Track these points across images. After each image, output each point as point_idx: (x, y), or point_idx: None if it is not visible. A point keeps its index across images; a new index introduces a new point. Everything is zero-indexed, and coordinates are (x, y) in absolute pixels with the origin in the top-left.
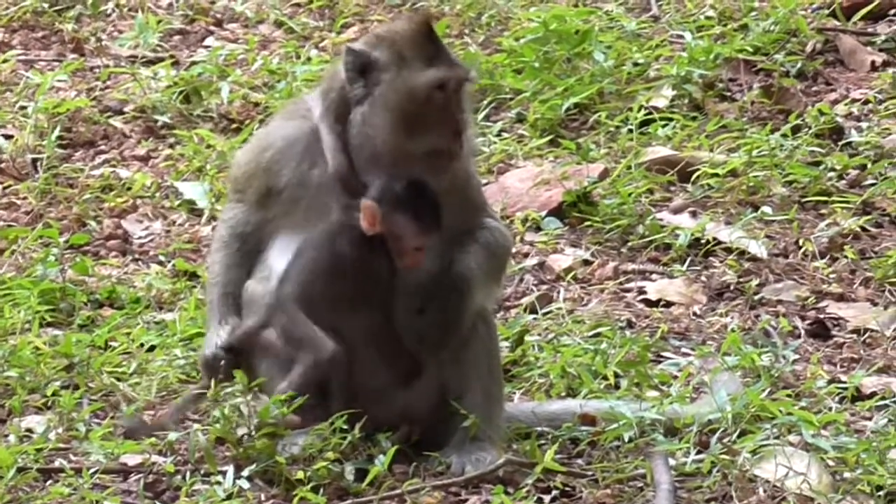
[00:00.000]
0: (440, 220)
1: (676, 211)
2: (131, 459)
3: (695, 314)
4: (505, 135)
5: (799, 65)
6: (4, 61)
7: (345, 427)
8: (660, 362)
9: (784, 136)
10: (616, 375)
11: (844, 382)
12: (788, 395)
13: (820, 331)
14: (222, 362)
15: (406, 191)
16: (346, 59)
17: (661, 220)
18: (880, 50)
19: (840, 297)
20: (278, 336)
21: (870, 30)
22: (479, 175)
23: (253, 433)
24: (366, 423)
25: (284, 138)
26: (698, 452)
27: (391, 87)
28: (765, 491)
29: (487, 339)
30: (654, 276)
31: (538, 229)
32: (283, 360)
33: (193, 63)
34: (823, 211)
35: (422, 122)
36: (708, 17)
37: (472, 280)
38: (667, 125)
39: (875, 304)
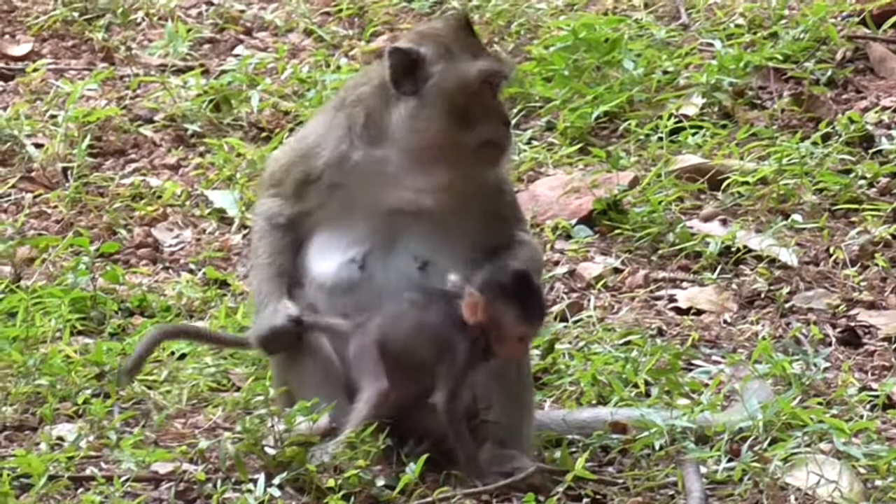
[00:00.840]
0: (545, 312)
1: (707, 219)
2: (162, 468)
3: (725, 322)
4: (535, 143)
5: (829, 73)
6: (35, 70)
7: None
8: (690, 370)
9: (814, 143)
10: (647, 383)
11: (875, 390)
12: (819, 403)
13: (851, 339)
14: (289, 333)
15: (511, 281)
16: (393, 58)
17: (691, 228)
18: None
19: (871, 305)
20: (348, 360)
21: None
22: (512, 187)
23: (282, 441)
24: (396, 432)
25: (323, 124)
26: (729, 460)
27: (443, 79)
28: (796, 499)
29: None
30: (684, 284)
31: (568, 237)
32: (324, 365)
33: (223, 72)
34: (854, 219)
35: (474, 114)
36: (738, 25)
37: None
38: (697, 133)
39: None
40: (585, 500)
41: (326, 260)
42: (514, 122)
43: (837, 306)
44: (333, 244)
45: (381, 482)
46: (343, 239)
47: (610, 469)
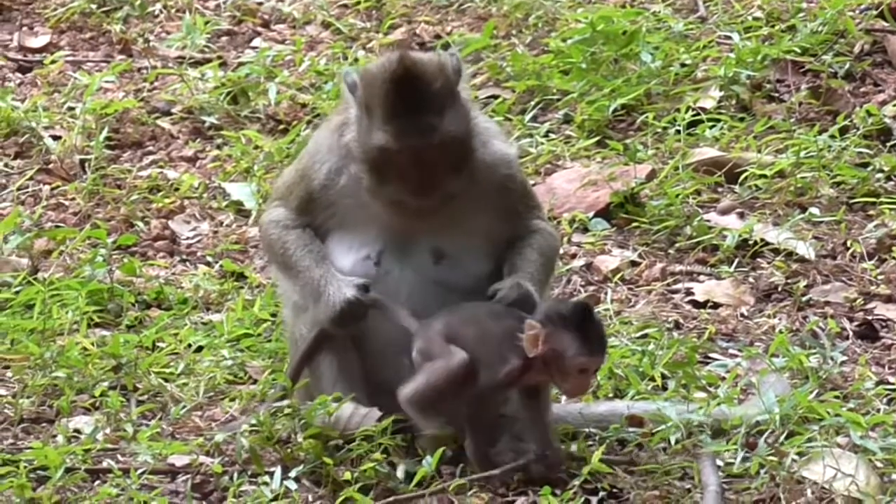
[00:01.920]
0: (606, 343)
1: (724, 212)
2: (179, 460)
3: (742, 315)
4: (552, 136)
5: (847, 66)
6: (52, 62)
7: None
8: (707, 363)
9: (832, 137)
10: (663, 377)
11: (893, 384)
12: (836, 397)
13: (868, 332)
14: (362, 305)
15: (573, 312)
16: (344, 83)
17: (708, 221)
18: None
19: (888, 299)
20: (414, 353)
21: None
22: (524, 177)
23: (299, 434)
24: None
25: (316, 143)
26: (746, 454)
27: (355, 133)
28: (813, 492)
29: None
30: (701, 278)
31: (585, 230)
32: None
33: (241, 64)
34: (871, 212)
35: (383, 175)
36: (755, 18)
37: (533, 296)
38: (714, 126)
39: None
40: (602, 493)
41: (342, 257)
42: (531, 114)
43: (855, 300)
44: (347, 243)
45: (399, 474)
46: (356, 239)
47: (626, 462)
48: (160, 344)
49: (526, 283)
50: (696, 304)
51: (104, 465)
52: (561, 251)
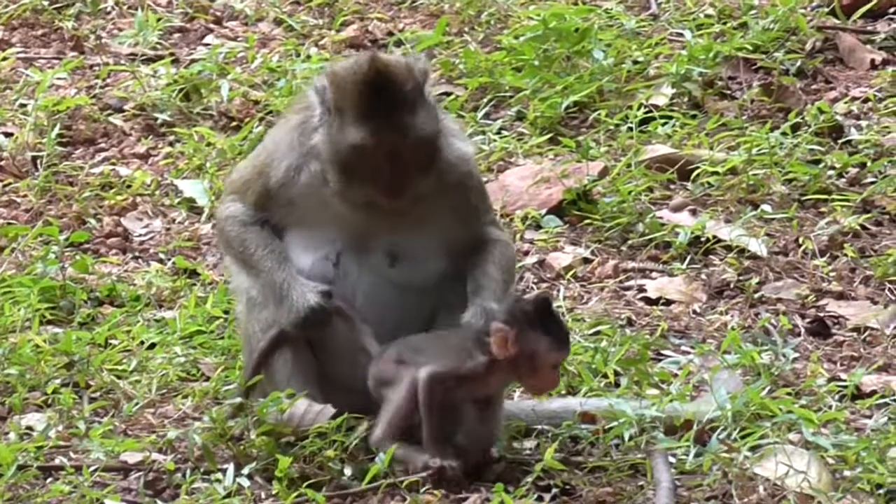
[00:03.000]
0: (569, 337)
1: (676, 209)
2: (131, 457)
3: (695, 312)
4: (505, 133)
5: (798, 63)
6: (4, 59)
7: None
8: (660, 360)
9: (784, 134)
10: (616, 373)
11: (844, 381)
12: (788, 394)
13: (820, 329)
14: (326, 311)
15: (537, 309)
16: (312, 87)
17: (660, 218)
18: (880, 48)
19: (840, 296)
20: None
21: (869, 28)
22: (480, 179)
23: (252, 431)
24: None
25: (274, 141)
26: (698, 451)
27: (325, 134)
28: (765, 489)
29: None
30: (654, 275)
31: (538, 227)
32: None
33: (193, 61)
34: (823, 209)
35: (352, 175)
36: (707, 16)
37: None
38: (666, 123)
39: (875, 303)
40: (554, 490)
41: (300, 256)
42: (483, 111)
43: (806, 297)
44: (304, 242)
45: (349, 472)
46: (314, 238)
47: (579, 459)
48: (113, 341)
49: (491, 306)
50: (649, 301)
51: (57, 462)
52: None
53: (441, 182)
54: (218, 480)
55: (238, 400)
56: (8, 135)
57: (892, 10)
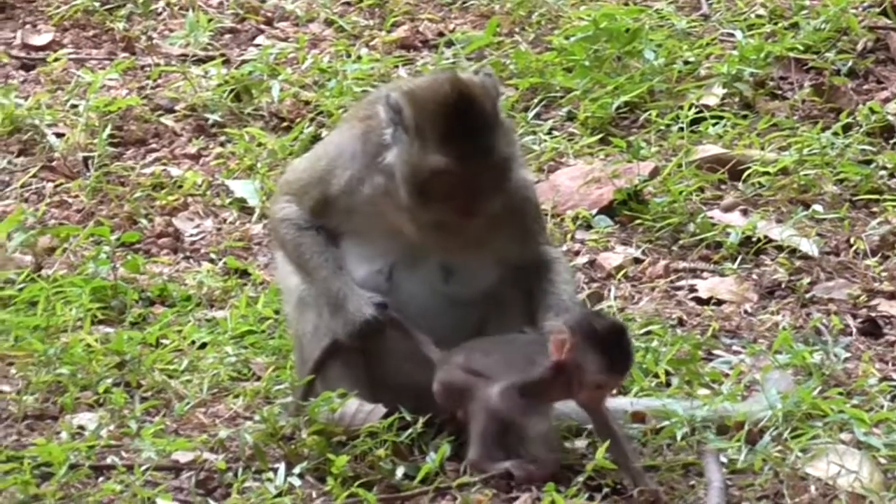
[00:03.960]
0: (629, 367)
1: (727, 209)
2: (183, 457)
3: (746, 312)
4: (555, 133)
5: (850, 63)
6: (56, 60)
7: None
8: (711, 360)
9: (835, 134)
10: (667, 373)
11: None
12: (840, 394)
13: (871, 329)
14: (380, 323)
15: (604, 328)
16: (384, 104)
17: (711, 218)
18: None
19: (892, 296)
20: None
21: None
22: (538, 203)
23: (303, 431)
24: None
25: (338, 148)
26: (749, 450)
27: (402, 154)
28: (816, 489)
29: None
30: (705, 275)
31: (589, 227)
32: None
33: (244, 61)
34: (875, 209)
35: (428, 195)
36: (758, 16)
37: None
38: (717, 123)
39: None
40: (605, 489)
41: (354, 268)
42: (534, 112)
43: (858, 296)
44: (358, 253)
45: (401, 471)
46: (368, 250)
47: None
48: (164, 341)
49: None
50: (700, 301)
51: (108, 461)
52: (564, 248)
53: (503, 204)
54: (269, 480)
55: (290, 399)
56: (60, 135)
57: None
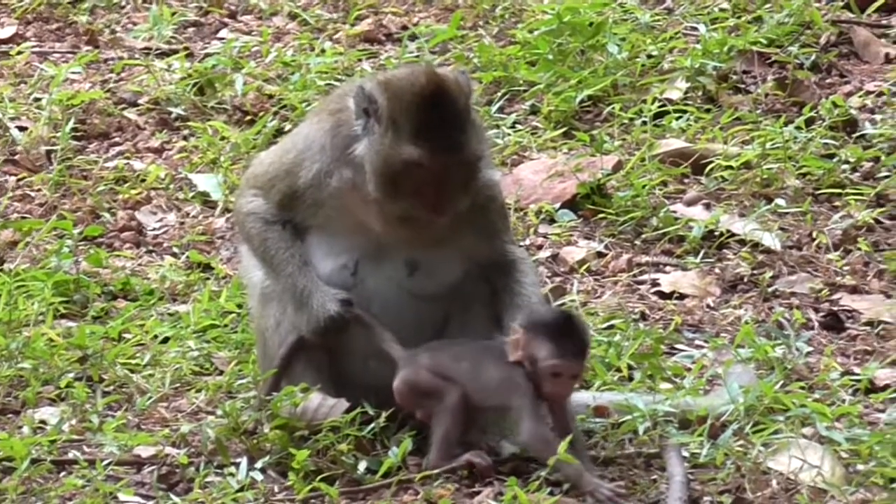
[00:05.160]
0: (582, 351)
1: (690, 203)
2: (145, 451)
3: (708, 306)
4: (519, 127)
5: (813, 57)
6: (19, 53)
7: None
8: (673, 354)
9: (798, 128)
10: (629, 367)
11: (858, 375)
12: (802, 388)
13: (833, 323)
14: (345, 319)
15: (551, 318)
16: (355, 95)
17: (674, 212)
18: (894, 42)
19: (854, 290)
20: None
21: (884, 22)
22: (503, 202)
23: (265, 425)
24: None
25: (306, 141)
26: (711, 444)
27: (373, 144)
28: (778, 483)
29: None
30: (667, 269)
31: (552, 221)
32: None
33: (207, 55)
34: (837, 203)
35: (399, 189)
36: (722, 10)
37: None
38: (681, 117)
39: (889, 297)
40: (566, 484)
41: (319, 263)
42: (497, 105)
43: (820, 290)
44: (324, 248)
45: (363, 466)
46: (334, 245)
47: (592, 453)
48: (126, 335)
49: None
50: (662, 295)
51: (70, 456)
52: (527, 242)
53: (471, 202)
54: (231, 474)
55: (253, 394)
56: (22, 129)
57: None
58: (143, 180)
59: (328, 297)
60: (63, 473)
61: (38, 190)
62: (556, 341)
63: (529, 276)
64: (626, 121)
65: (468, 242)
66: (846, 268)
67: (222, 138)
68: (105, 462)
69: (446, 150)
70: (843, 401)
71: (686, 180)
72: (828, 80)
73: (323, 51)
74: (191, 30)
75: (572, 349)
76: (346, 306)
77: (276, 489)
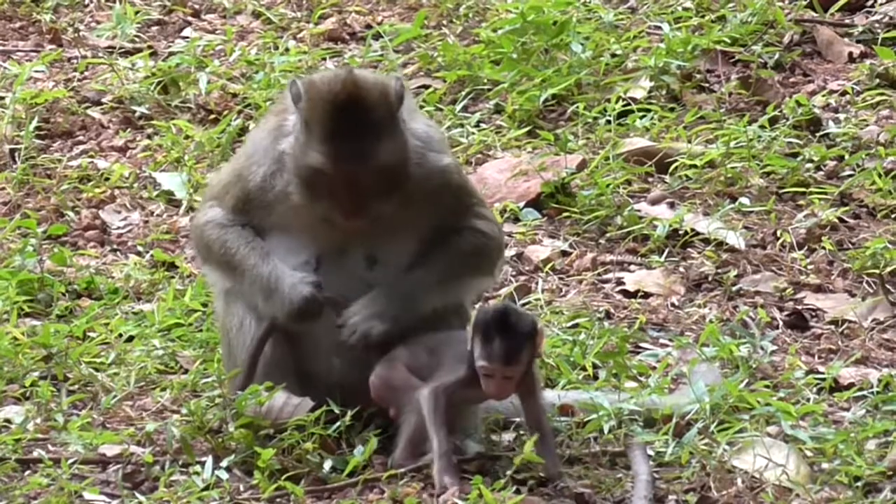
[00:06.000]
0: (512, 355)
1: (654, 202)
2: (110, 450)
3: (673, 305)
4: (483, 126)
5: (776, 56)
6: None
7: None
8: (638, 353)
9: (762, 127)
10: (594, 366)
11: (822, 373)
12: (766, 386)
13: (798, 322)
14: (318, 301)
15: (483, 317)
16: (289, 89)
17: (639, 211)
18: (857, 41)
19: (818, 289)
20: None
21: (847, 21)
22: (462, 179)
23: (230, 424)
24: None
25: (253, 144)
26: (676, 443)
27: (293, 145)
28: (743, 482)
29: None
30: (632, 267)
31: (516, 220)
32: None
33: (171, 54)
34: (801, 202)
35: (314, 191)
36: (685, 9)
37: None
38: (644, 116)
39: (853, 295)
40: (531, 483)
41: (282, 260)
42: (462, 104)
43: (784, 289)
44: (285, 246)
45: (328, 465)
46: (294, 242)
47: (557, 452)
48: (91, 334)
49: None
50: (627, 294)
51: (35, 454)
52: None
53: (413, 193)
54: (196, 473)
55: (217, 392)
56: None
57: (869, 3)
58: (108, 179)
59: (298, 280)
60: (28, 472)
61: (2, 189)
62: (486, 342)
63: (464, 240)
64: (590, 120)
65: (425, 230)
66: (810, 267)
67: (186, 137)
68: (70, 461)
69: (348, 158)
70: (808, 399)
71: (650, 179)
72: (791, 79)
73: (287, 49)
74: (154, 28)
75: (500, 352)
76: (318, 288)
77: (241, 488)
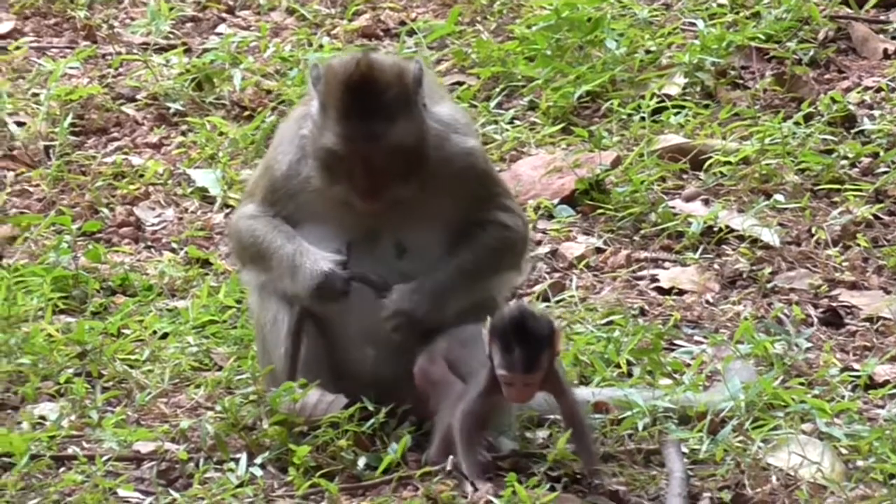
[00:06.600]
0: (531, 362)
1: (689, 199)
2: (144, 447)
3: (707, 302)
4: (517, 122)
5: (811, 52)
6: (17, 48)
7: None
8: (672, 350)
9: (796, 123)
10: (629, 363)
11: (857, 370)
12: (801, 384)
13: (833, 319)
14: (340, 278)
15: (503, 324)
16: (310, 72)
17: (673, 207)
18: (892, 38)
19: (853, 286)
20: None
21: (882, 18)
22: (487, 165)
23: (264, 421)
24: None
25: (280, 135)
26: (711, 440)
27: (311, 128)
28: (778, 479)
29: None
30: (666, 264)
31: (550, 217)
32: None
33: (206, 50)
34: (836, 199)
35: (331, 174)
36: (720, 5)
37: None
38: (679, 113)
39: (888, 293)
40: (565, 480)
41: (324, 245)
42: (496, 101)
43: (819, 286)
44: (317, 234)
45: (363, 462)
46: (323, 231)
47: (594, 448)
48: (125, 331)
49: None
50: (662, 291)
51: (69, 451)
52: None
53: (437, 177)
54: (231, 470)
55: (251, 389)
56: (20, 124)
57: None
58: (142, 176)
59: (320, 257)
60: (62, 469)
61: (37, 185)
62: (505, 352)
63: (487, 234)
64: (624, 116)
65: (452, 217)
66: (845, 264)
67: (220, 134)
68: (104, 458)
69: (361, 138)
70: (843, 397)
71: (685, 176)
72: (826, 76)
73: (321, 46)
74: (189, 25)
75: (520, 361)
76: (340, 266)
77: (275, 485)
